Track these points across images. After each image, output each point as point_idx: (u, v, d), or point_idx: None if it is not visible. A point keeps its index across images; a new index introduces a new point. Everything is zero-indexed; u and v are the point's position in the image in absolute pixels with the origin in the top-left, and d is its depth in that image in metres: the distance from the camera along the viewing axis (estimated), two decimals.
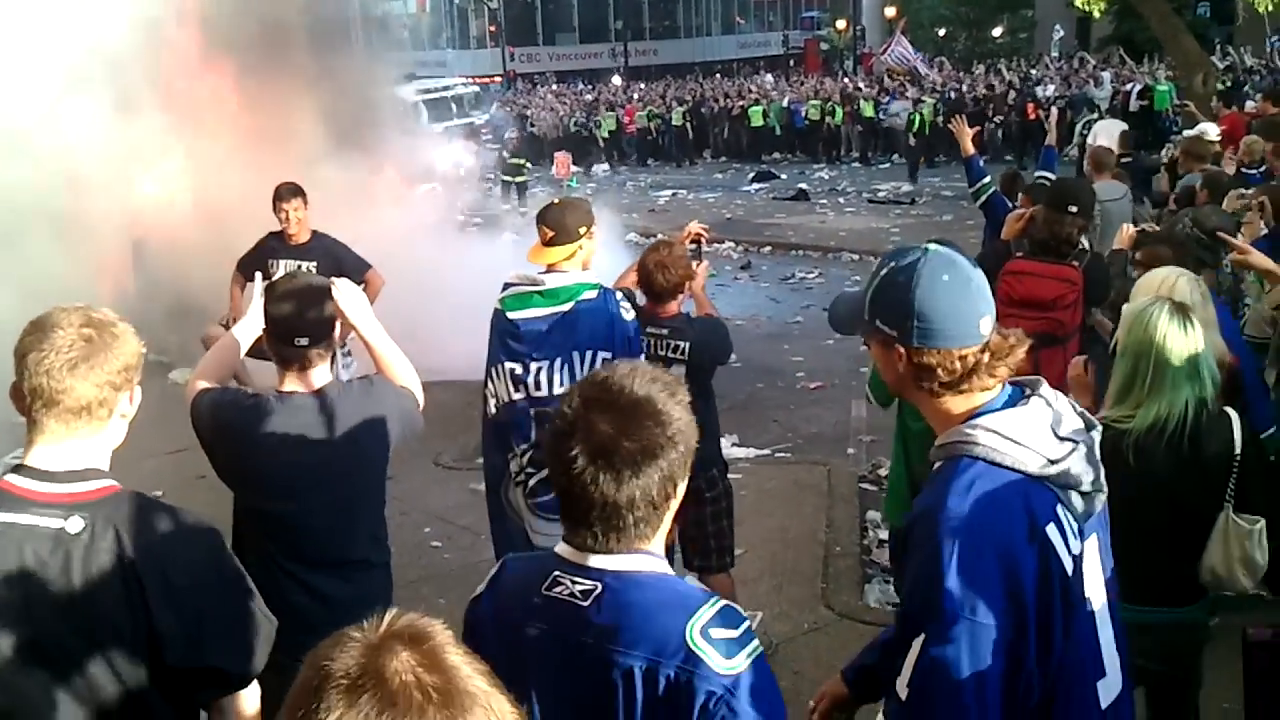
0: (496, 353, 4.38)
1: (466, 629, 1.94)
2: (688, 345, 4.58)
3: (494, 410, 4.45)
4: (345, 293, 3.22)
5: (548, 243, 4.30)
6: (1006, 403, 2.00)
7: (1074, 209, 5.19)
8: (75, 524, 2.18)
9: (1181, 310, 3.16)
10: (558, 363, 4.28)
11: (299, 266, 6.64)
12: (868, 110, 28.38)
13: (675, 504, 1.84)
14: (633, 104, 33.77)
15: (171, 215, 9.90)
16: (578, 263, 4.34)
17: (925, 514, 1.94)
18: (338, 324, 3.23)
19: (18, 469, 2.23)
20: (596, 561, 1.81)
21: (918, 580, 1.92)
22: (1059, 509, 1.93)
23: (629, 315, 4.34)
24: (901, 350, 1.99)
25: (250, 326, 3.32)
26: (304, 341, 3.13)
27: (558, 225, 4.28)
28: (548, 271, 4.33)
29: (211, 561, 2.34)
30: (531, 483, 4.40)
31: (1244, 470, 3.16)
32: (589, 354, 4.27)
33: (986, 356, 1.96)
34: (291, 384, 3.17)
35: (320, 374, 3.19)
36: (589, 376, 1.88)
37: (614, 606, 1.78)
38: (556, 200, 4.62)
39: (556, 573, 1.84)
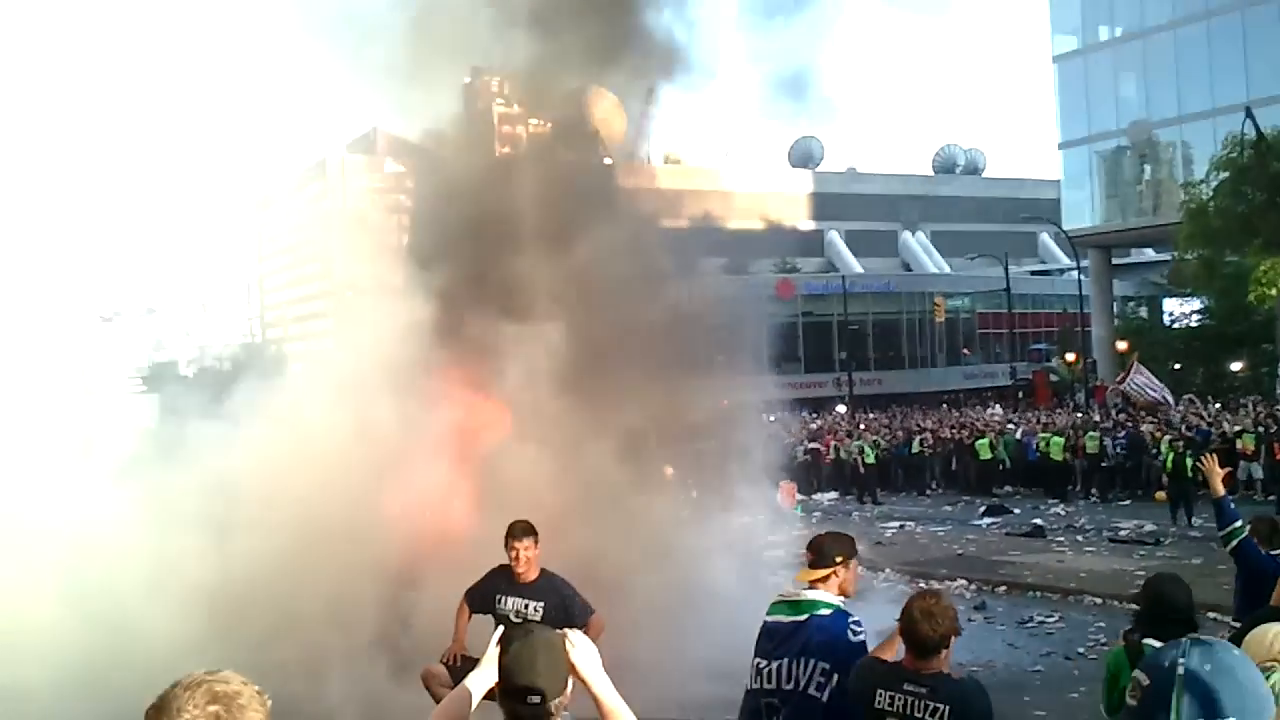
0: (755, 647, 5.04)
1: None
2: (946, 710, 4.30)
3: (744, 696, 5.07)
4: (580, 648, 3.26)
5: (809, 564, 5.01)
6: None
7: None
8: None
9: None
10: (786, 662, 4.82)
11: (526, 605, 6.84)
12: (1101, 445, 27.56)
13: None
14: (847, 434, 33.86)
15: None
16: (833, 585, 4.96)
17: None
18: (570, 679, 3.22)
19: None
20: None
21: None
22: None
23: (856, 638, 4.79)
24: None
25: (484, 678, 3.33)
26: (537, 699, 3.13)
27: (817, 551, 5.01)
28: (809, 588, 4.95)
29: None
30: None
31: None
32: (812, 662, 4.76)
33: None
34: None
35: None
36: None
37: None
38: (826, 532, 5.39)
39: None
